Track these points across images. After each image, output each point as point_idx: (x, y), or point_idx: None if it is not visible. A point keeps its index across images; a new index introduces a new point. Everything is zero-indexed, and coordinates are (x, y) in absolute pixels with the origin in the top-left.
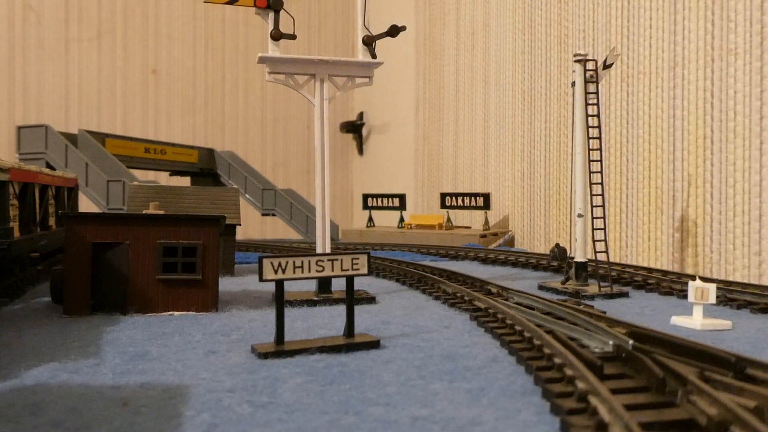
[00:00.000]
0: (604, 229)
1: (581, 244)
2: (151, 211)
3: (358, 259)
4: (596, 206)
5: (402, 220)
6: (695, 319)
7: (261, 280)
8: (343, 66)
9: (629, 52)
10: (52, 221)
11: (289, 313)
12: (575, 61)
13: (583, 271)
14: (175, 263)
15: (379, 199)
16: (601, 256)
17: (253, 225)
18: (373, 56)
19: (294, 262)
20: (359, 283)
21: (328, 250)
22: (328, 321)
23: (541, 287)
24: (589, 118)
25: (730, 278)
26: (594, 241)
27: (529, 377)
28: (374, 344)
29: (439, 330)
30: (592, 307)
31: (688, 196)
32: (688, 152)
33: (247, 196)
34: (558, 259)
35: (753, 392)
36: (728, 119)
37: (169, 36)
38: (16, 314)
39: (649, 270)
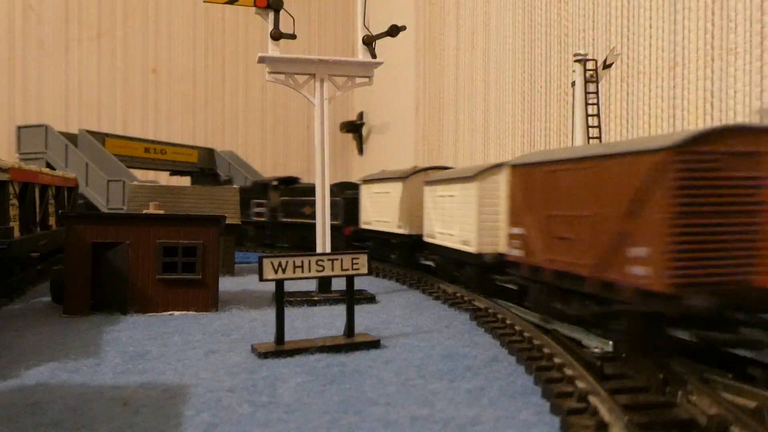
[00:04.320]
0: None
1: None
2: (151, 211)
3: (358, 259)
4: None
5: None
6: None
7: (261, 279)
8: (343, 66)
9: (629, 52)
10: (52, 221)
11: (289, 312)
12: (575, 61)
13: None
14: (175, 263)
15: None
16: None
17: None
18: (373, 56)
19: (294, 262)
20: (359, 283)
21: (327, 250)
22: (328, 321)
23: None
24: (589, 118)
25: None
26: None
27: (529, 377)
28: (374, 344)
29: (439, 330)
30: None
31: None
32: None
33: None
34: None
35: (752, 393)
36: (728, 119)
37: (169, 36)
38: (16, 314)
39: None
